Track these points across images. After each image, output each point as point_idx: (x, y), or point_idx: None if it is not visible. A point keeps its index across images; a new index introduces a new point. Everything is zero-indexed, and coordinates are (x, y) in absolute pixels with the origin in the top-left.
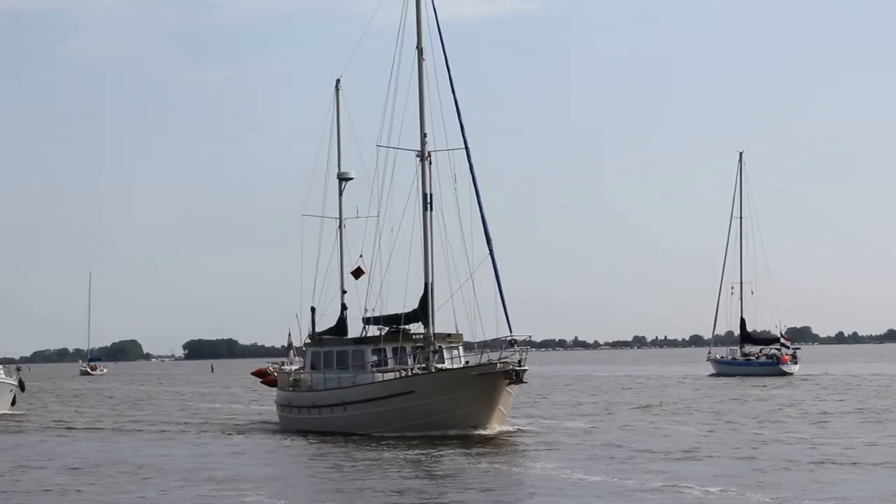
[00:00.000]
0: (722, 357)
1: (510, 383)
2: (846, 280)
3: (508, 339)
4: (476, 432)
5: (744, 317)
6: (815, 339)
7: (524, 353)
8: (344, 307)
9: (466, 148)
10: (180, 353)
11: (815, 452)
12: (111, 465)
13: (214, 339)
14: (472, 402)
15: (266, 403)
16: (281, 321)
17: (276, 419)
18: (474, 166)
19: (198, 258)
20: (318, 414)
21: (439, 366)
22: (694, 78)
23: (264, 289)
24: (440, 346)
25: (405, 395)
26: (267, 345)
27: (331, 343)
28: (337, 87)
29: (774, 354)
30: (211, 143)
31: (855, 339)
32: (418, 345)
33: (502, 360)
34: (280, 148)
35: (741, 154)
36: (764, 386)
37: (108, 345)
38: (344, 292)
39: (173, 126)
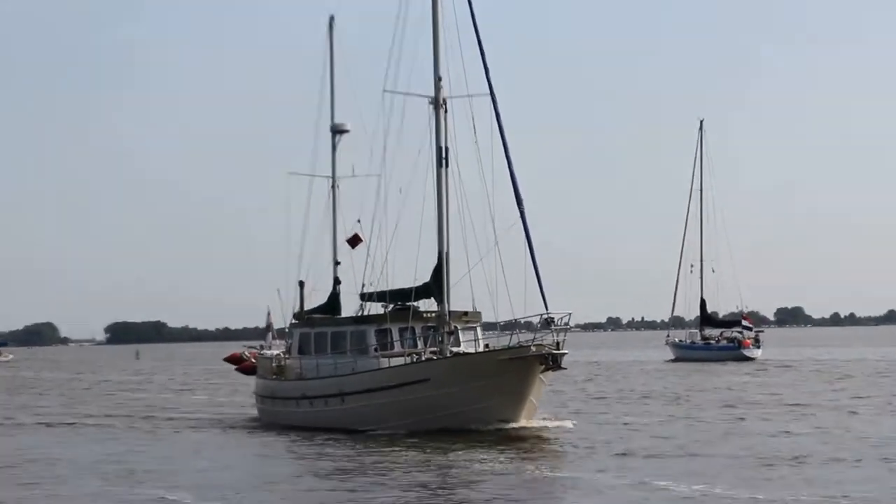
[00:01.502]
0: (681, 341)
1: (546, 369)
2: (838, 257)
3: (544, 317)
4: (505, 427)
5: (704, 297)
6: (808, 320)
7: (563, 335)
8: (337, 281)
9: (492, 92)
10: (102, 336)
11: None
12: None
13: (140, 321)
14: (500, 392)
15: (229, 394)
16: (238, 298)
17: (255, 412)
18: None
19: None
20: (308, 407)
21: (455, 349)
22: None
23: (215, 262)
24: (455, 327)
25: (418, 383)
26: (200, 328)
27: (324, 323)
28: (330, 25)
29: (735, 338)
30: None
31: (852, 320)
32: (430, 325)
33: (537, 343)
34: (260, 94)
35: (701, 122)
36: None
37: (21, 328)
38: (337, 264)
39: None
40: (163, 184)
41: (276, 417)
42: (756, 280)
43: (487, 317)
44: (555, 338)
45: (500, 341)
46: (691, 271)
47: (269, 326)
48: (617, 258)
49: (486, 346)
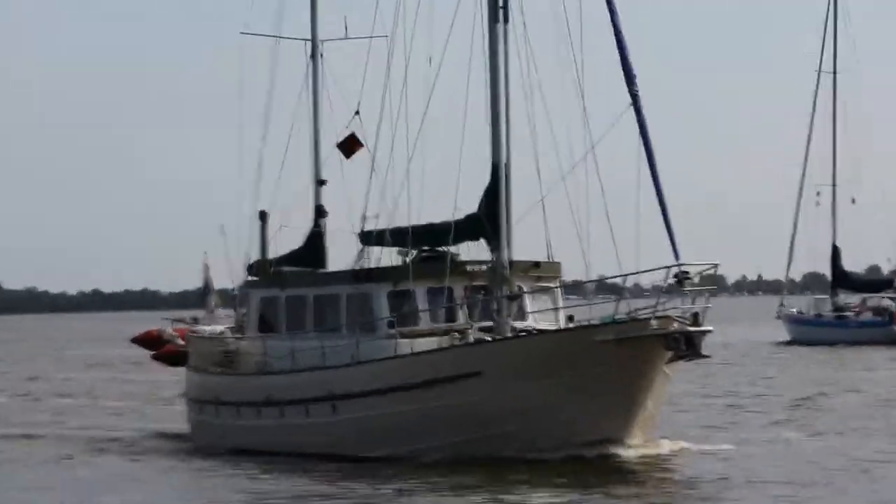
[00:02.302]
0: (800, 312)
1: (676, 359)
2: None
3: (674, 272)
4: (604, 452)
5: (837, 244)
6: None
7: (705, 302)
8: (320, 212)
9: None
10: None
11: None
12: None
13: None
14: (599, 395)
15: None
16: (149, 244)
17: (185, 427)
18: None
19: None
20: (277, 418)
21: (520, 325)
22: None
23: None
24: (521, 288)
25: (462, 380)
26: (73, 291)
27: (302, 280)
28: None
29: (887, 308)
30: None
31: None
32: (479, 284)
33: (660, 315)
34: None
35: None
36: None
37: None
38: (320, 184)
39: None
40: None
41: (221, 436)
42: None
43: (572, 272)
44: (691, 306)
45: (597, 312)
46: (818, 203)
47: (206, 287)
48: (712, 187)
49: (571, 318)
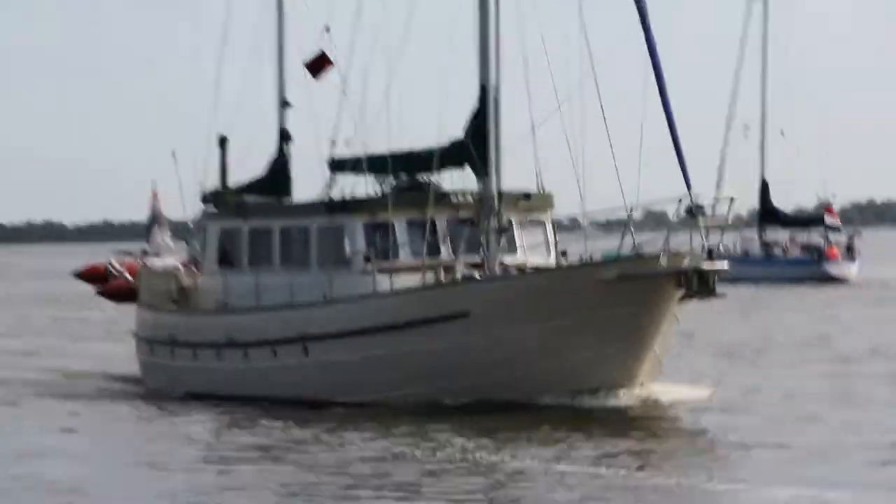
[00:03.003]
0: (726, 249)
1: (688, 297)
2: None
3: (685, 203)
4: (606, 402)
5: (766, 179)
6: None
7: (719, 238)
8: (285, 136)
9: None
10: None
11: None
12: None
13: None
14: (602, 338)
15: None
16: (88, 165)
17: (136, 369)
18: None
19: None
20: (240, 361)
21: (512, 261)
22: None
23: None
24: (510, 221)
25: (448, 322)
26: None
27: (267, 211)
28: None
29: (816, 246)
30: None
31: None
32: (464, 217)
33: (670, 253)
34: None
35: None
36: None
37: None
38: (285, 106)
39: None
40: None
41: (175, 379)
42: (852, 157)
43: (566, 205)
44: (703, 241)
45: (598, 247)
46: (746, 136)
47: (157, 217)
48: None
49: (564, 254)
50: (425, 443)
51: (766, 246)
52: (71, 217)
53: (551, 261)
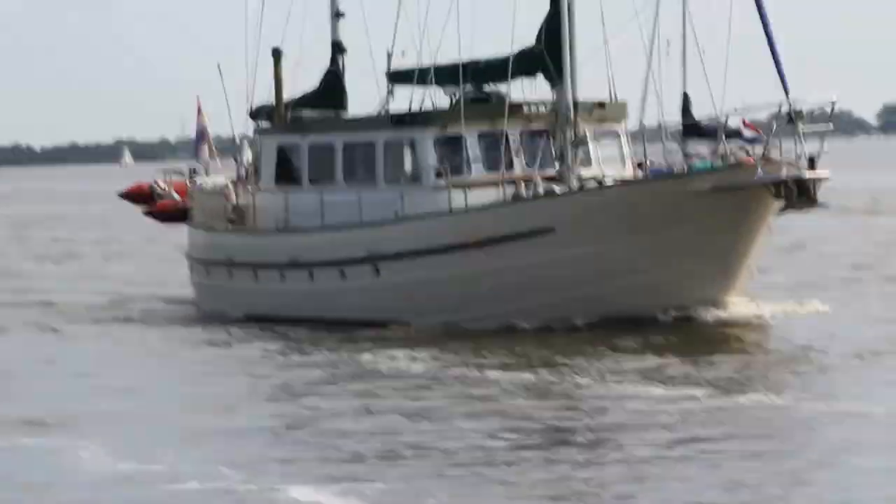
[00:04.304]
0: (652, 164)
1: (789, 208)
2: None
3: (783, 109)
4: (701, 316)
5: (687, 92)
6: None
7: (822, 142)
8: (339, 49)
9: None
10: None
11: None
12: None
13: None
14: (696, 252)
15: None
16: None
17: (190, 292)
18: None
19: None
20: (305, 282)
21: (589, 174)
22: None
23: None
24: (584, 132)
25: (533, 237)
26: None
27: (326, 126)
28: None
29: (732, 156)
30: None
31: None
32: (537, 129)
33: (767, 160)
34: None
35: None
36: None
37: None
38: (338, 16)
39: None
40: None
41: (233, 301)
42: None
43: (637, 117)
44: (801, 148)
45: (678, 159)
46: (668, 53)
47: (203, 133)
48: None
49: (640, 166)
50: (507, 362)
51: (687, 158)
52: (85, 138)
53: (627, 173)
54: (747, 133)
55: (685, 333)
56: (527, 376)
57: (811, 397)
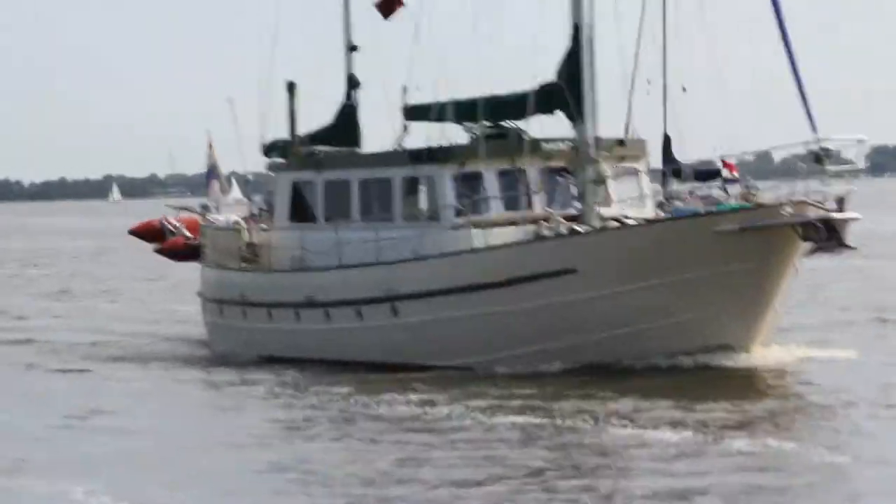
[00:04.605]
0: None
1: (817, 250)
2: None
3: (811, 146)
4: (723, 363)
5: (668, 133)
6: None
7: (850, 183)
8: (353, 83)
9: None
10: None
11: None
12: None
13: None
14: (721, 295)
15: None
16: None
17: (202, 332)
18: None
19: None
20: (321, 322)
21: (609, 213)
22: None
23: None
24: (604, 170)
25: (555, 277)
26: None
27: (342, 162)
28: None
29: (716, 199)
30: None
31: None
32: (554, 166)
33: (795, 202)
34: None
35: None
36: None
37: None
38: (352, 50)
39: None
40: None
41: (246, 341)
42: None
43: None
44: (829, 190)
45: (696, 199)
46: (648, 92)
47: (214, 168)
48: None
49: (661, 205)
50: (534, 411)
51: (668, 199)
52: (77, 174)
53: (647, 213)
54: (727, 173)
55: (708, 378)
56: (541, 421)
57: (832, 449)
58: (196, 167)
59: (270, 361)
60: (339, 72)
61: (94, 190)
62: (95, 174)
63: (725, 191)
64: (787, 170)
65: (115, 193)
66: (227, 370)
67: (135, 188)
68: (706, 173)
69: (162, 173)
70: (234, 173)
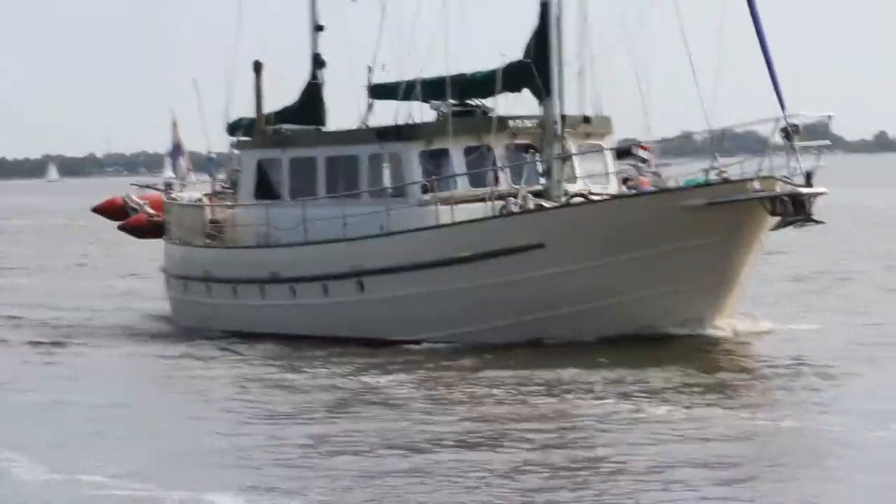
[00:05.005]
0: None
1: (784, 224)
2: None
3: (780, 124)
4: (689, 332)
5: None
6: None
7: (818, 157)
8: (319, 62)
9: None
10: None
11: None
12: None
13: None
14: (689, 269)
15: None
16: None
17: (166, 307)
18: None
19: None
20: (287, 298)
21: (574, 189)
22: None
23: None
24: (570, 147)
25: (523, 253)
26: None
27: (308, 140)
28: None
29: (628, 177)
30: None
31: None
32: (523, 143)
33: (762, 177)
34: None
35: None
36: None
37: None
38: (318, 30)
39: None
40: None
41: (210, 316)
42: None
43: (627, 129)
44: (798, 165)
45: (672, 173)
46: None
47: (178, 146)
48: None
49: (627, 181)
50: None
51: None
52: (60, 150)
53: (611, 189)
54: (640, 153)
55: (674, 350)
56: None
57: (792, 417)
58: (133, 147)
59: (236, 336)
60: (304, 52)
61: (33, 169)
62: (34, 153)
63: (638, 170)
64: (695, 149)
65: (53, 172)
66: (200, 346)
67: (74, 167)
68: (621, 151)
69: (100, 152)
70: (192, 153)
